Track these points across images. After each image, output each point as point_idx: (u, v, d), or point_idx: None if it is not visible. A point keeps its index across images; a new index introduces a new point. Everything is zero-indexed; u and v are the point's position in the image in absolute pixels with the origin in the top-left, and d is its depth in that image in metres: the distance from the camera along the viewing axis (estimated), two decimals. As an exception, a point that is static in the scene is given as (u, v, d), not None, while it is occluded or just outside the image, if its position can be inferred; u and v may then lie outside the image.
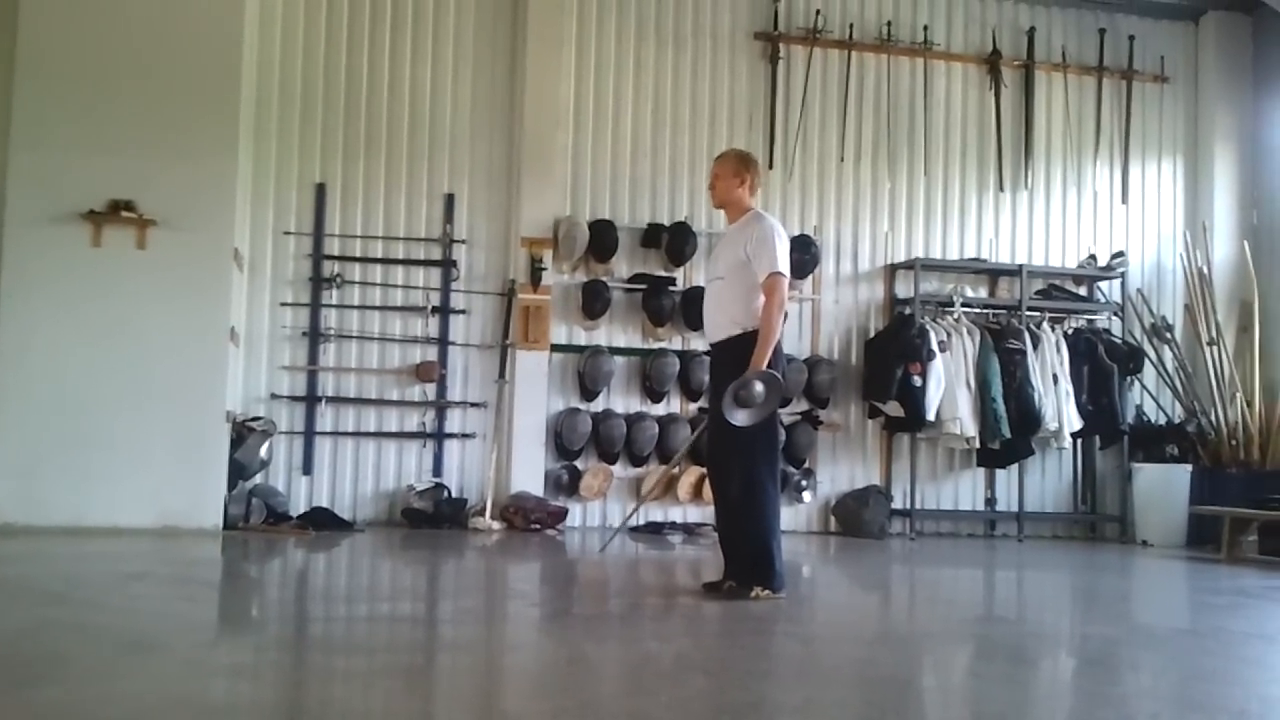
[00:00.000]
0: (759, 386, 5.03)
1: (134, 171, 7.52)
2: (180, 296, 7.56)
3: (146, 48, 7.63)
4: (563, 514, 8.57)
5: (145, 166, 7.54)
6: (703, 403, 5.27)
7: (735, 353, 5.16)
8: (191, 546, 6.89)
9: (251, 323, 8.44)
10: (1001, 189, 10.13)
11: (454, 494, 8.62)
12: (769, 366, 5.09)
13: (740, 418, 5.03)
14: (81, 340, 7.41)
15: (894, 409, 9.17)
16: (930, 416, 9.04)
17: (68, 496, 7.21)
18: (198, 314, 7.63)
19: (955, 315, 9.43)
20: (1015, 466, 9.55)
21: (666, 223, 9.23)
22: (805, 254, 9.42)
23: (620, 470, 8.99)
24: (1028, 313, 9.61)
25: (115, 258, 7.48)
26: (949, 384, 9.07)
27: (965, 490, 9.80)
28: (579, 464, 8.90)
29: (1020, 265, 9.83)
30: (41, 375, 7.34)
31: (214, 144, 7.74)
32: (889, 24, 9.90)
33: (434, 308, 8.81)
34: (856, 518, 9.18)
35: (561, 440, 8.81)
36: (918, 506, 9.44)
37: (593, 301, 8.97)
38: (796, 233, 9.49)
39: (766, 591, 5.21)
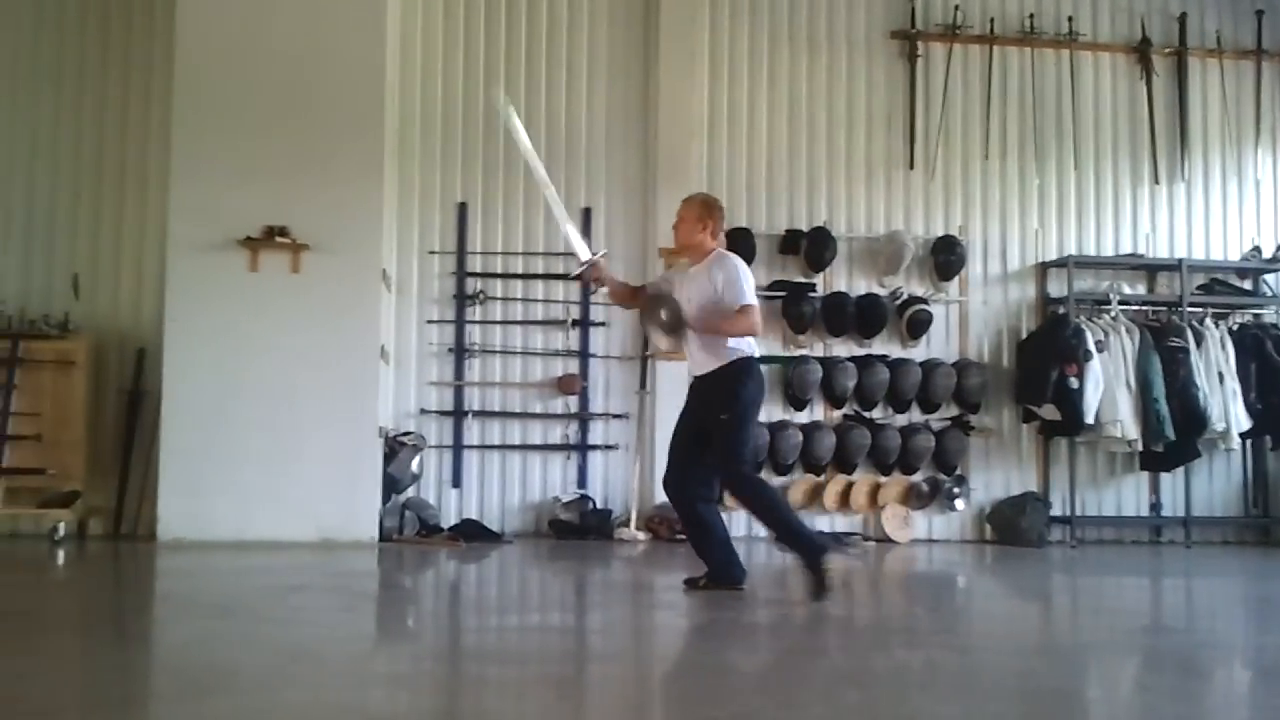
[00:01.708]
0: (663, 312, 5.55)
1: (286, 198, 7.79)
2: (333, 317, 7.80)
3: (294, 81, 7.90)
4: (708, 524, 8.51)
5: (297, 193, 7.81)
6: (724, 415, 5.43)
7: (721, 381, 5.51)
8: (349, 559, 7.07)
9: (400, 341, 8.65)
10: (1157, 181, 9.71)
11: (599, 505, 8.66)
12: (742, 387, 5.47)
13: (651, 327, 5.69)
14: (241, 361, 7.70)
15: (1050, 412, 8.85)
16: (1089, 419, 8.69)
17: (231, 512, 7.50)
18: (350, 333, 7.86)
19: (1112, 313, 9.06)
20: (1181, 470, 9.11)
21: (805, 228, 9.12)
22: (950, 255, 9.21)
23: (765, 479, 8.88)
24: (1189, 309, 9.17)
25: (271, 281, 7.77)
26: (1108, 385, 8.72)
27: (1128, 495, 9.39)
28: (723, 474, 8.83)
29: (1179, 260, 9.39)
30: (205, 396, 7.66)
31: (360, 169, 7.97)
32: (1031, 17, 9.60)
33: (574, 321, 8.89)
34: (1013, 526, 8.89)
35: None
36: (1078, 513, 9.08)
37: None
38: (940, 233, 9.29)
39: (830, 563, 5.38)
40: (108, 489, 8.11)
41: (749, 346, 5.59)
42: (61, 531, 7.50)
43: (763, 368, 8.81)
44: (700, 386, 5.67)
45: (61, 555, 7.06)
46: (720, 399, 5.49)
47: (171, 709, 3.31)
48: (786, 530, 5.63)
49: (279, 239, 7.77)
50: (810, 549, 5.46)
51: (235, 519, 7.47)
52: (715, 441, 5.53)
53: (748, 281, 5.56)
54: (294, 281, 7.82)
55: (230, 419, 7.63)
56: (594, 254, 5.96)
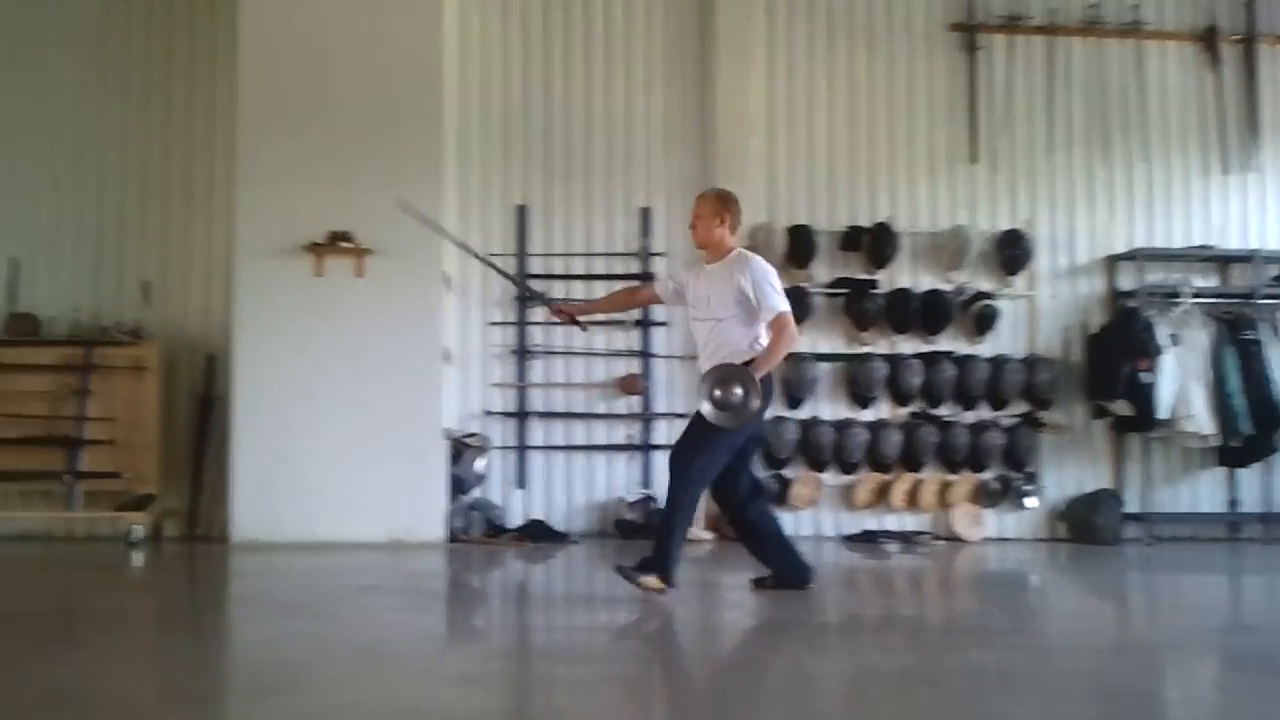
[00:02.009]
0: (738, 389, 5.17)
1: (350, 204, 7.88)
2: (397, 320, 7.88)
3: (355, 87, 7.99)
4: (773, 524, 8.47)
5: (360, 198, 7.89)
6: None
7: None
8: (417, 559, 7.13)
9: (463, 343, 8.71)
10: (1227, 172, 9.48)
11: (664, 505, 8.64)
12: (766, 391, 5.24)
13: (708, 409, 5.19)
14: (308, 365, 7.80)
15: (1123, 408, 8.68)
16: (1163, 415, 8.51)
17: (301, 513, 7.60)
18: (413, 336, 7.94)
19: (1184, 307, 8.87)
20: (1260, 465, 8.89)
21: (867, 224, 9.03)
22: (1016, 249, 9.07)
23: (830, 478, 8.83)
24: (1264, 301, 8.95)
25: (336, 286, 7.87)
26: (1182, 380, 8.54)
27: (1205, 492, 9.18)
28: (788, 473, 8.79)
29: (1253, 251, 9.17)
30: (274, 399, 7.77)
31: (421, 173, 8.03)
32: (1094, 6, 9.43)
33: (635, 321, 8.88)
34: (1087, 524, 8.74)
35: (769, 449, 8.72)
36: (1153, 510, 8.90)
37: (793, 308, 8.79)
38: (1005, 227, 9.16)
39: (657, 582, 5.20)
40: (181, 492, 8.27)
41: (763, 349, 5.36)
42: (137, 534, 7.65)
43: (822, 365, 8.90)
44: None
45: (137, 557, 7.19)
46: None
47: (246, 706, 3.36)
48: (665, 542, 5.31)
49: (343, 244, 7.86)
50: (661, 564, 5.25)
51: (306, 520, 7.58)
52: (689, 428, 5.39)
53: (775, 283, 5.40)
54: (358, 285, 7.91)
55: (299, 422, 7.74)
56: (540, 294, 5.91)
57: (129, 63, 8.77)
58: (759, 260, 5.48)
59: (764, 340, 5.35)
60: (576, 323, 5.99)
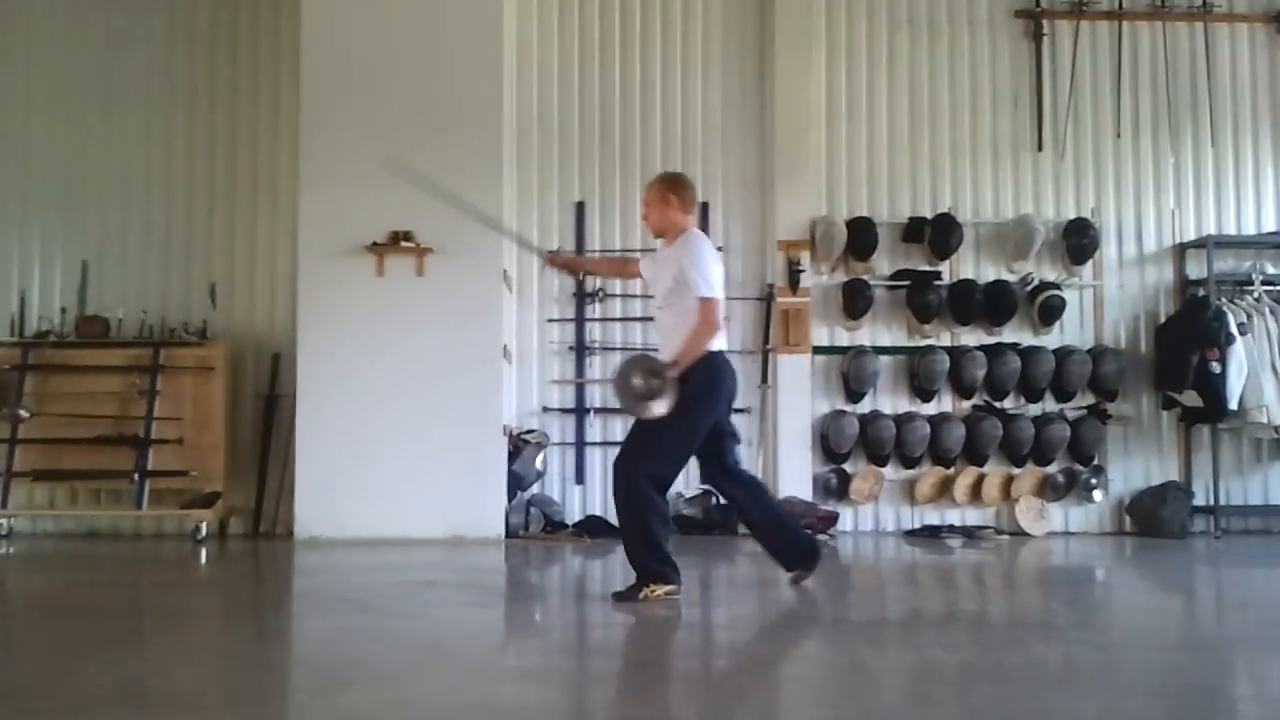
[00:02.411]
0: (637, 379, 4.99)
1: (410, 204, 7.89)
2: (456, 318, 7.94)
3: (415, 89, 8.06)
4: (834, 518, 8.42)
5: (420, 198, 7.86)
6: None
7: (691, 371, 5.00)
8: (477, 555, 7.18)
9: (522, 340, 8.75)
10: (1299, 156, 9.25)
11: (723, 501, 8.60)
12: (703, 379, 4.99)
13: (625, 401, 5.09)
14: (370, 364, 7.89)
15: (1191, 399, 8.50)
16: (1233, 405, 8.31)
17: (363, 510, 7.69)
18: (473, 334, 7.99)
19: (1255, 294, 8.65)
20: (1334, 456, 8.68)
21: (929, 215, 8.94)
22: (1083, 238, 8.92)
23: (891, 472, 8.75)
24: (1339, 288, 8.71)
25: (397, 285, 7.95)
26: (1252, 369, 8.33)
27: (1276, 483, 8.97)
28: (848, 467, 8.72)
29: (1327, 237, 8.94)
30: (337, 398, 7.87)
31: (480, 172, 8.07)
32: (1162, -11, 9.25)
33: (695, 316, 8.85)
34: (1154, 517, 8.56)
35: (828, 443, 8.67)
36: (1222, 502, 8.69)
37: (854, 301, 8.78)
38: (1072, 216, 9.00)
39: (660, 589, 4.99)
40: (247, 489, 8.41)
41: (716, 341, 5.12)
42: (204, 531, 7.79)
43: (883, 358, 8.80)
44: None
45: (204, 554, 7.32)
46: (685, 393, 5.08)
47: (310, 702, 3.40)
48: (648, 548, 5.07)
49: (404, 244, 7.93)
50: (650, 571, 5.04)
51: (367, 517, 7.67)
52: (638, 430, 5.15)
53: (710, 267, 5.10)
54: (419, 285, 7.98)
55: (361, 420, 7.82)
56: (541, 249, 5.74)
57: (194, 70, 8.93)
58: (700, 239, 5.25)
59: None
60: (573, 274, 5.77)
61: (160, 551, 7.51)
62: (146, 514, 8.09)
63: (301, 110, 8.12)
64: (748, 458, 8.75)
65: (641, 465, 5.04)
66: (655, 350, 5.41)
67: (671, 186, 5.33)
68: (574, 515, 8.61)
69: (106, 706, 3.17)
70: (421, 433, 7.79)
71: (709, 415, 5.11)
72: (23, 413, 8.05)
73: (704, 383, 5.04)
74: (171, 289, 8.70)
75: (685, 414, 4.99)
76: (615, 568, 6.97)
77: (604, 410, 8.82)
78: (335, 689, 3.48)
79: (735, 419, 8.63)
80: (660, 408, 4.94)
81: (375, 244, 7.93)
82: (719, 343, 5.13)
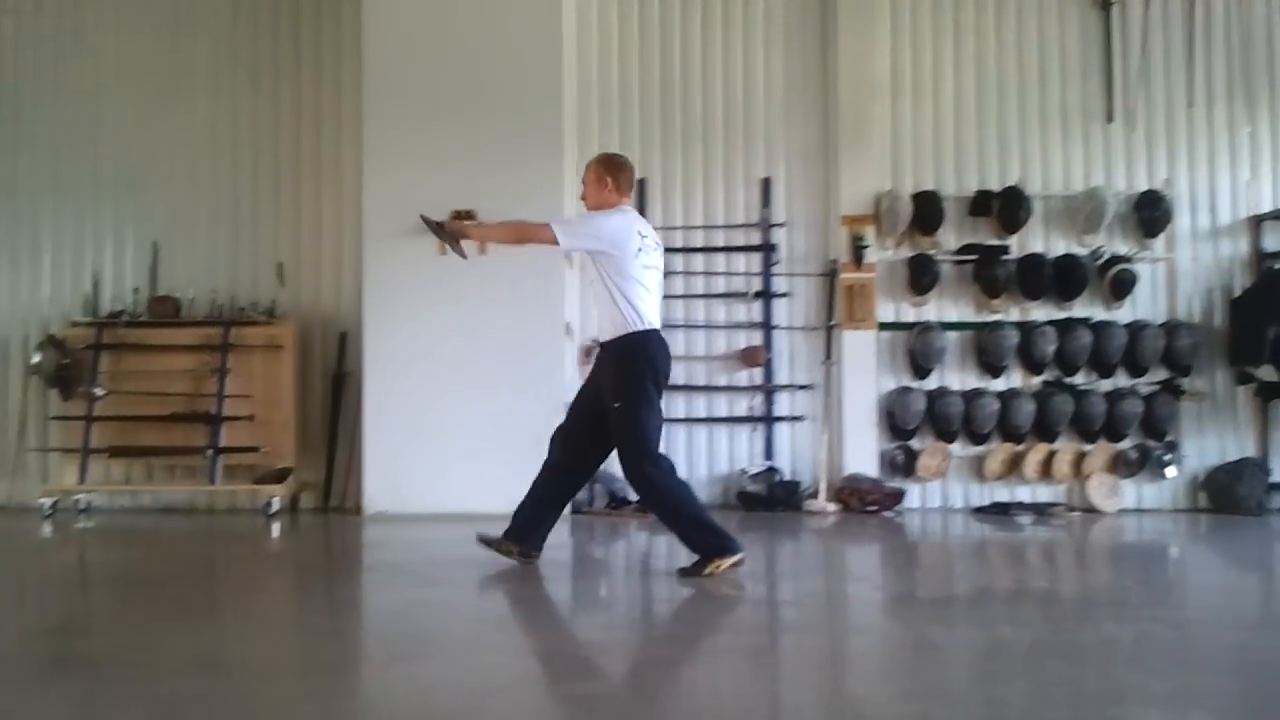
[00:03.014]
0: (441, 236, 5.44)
1: (472, 182, 7.99)
2: (519, 296, 7.97)
3: (476, 67, 8.08)
4: (900, 495, 8.35)
5: (481, 177, 7.99)
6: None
7: (618, 350, 5.18)
8: (541, 532, 7.20)
9: (584, 317, 8.75)
10: (1381, 122, 8.95)
11: (787, 477, 8.59)
12: (635, 358, 5.13)
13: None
14: (435, 341, 7.96)
15: (1268, 373, 8.29)
16: (1312, 379, 8.11)
17: (429, 486, 7.77)
18: (535, 311, 8.02)
19: (1336, 266, 8.41)
20: None
21: (996, 189, 8.78)
22: (1155, 211, 8.71)
23: (959, 449, 8.65)
24: None
25: (459, 264, 7.90)
26: (1333, 343, 8.11)
27: (1358, 460, 8.74)
28: (915, 444, 8.64)
29: None
30: (402, 375, 7.95)
31: (542, 149, 8.09)
32: (1238, -49, 8.97)
33: (756, 292, 8.81)
34: (1229, 493, 8.38)
35: (895, 420, 8.59)
36: (1301, 479, 8.49)
37: (920, 276, 8.67)
38: (1144, 188, 8.80)
39: (724, 562, 5.04)
40: (316, 465, 8.53)
41: (642, 320, 5.19)
42: (275, 506, 7.92)
43: (950, 334, 8.67)
44: (600, 356, 5.43)
45: (276, 528, 7.44)
46: (610, 382, 5.22)
47: (380, 673, 3.44)
48: (698, 528, 5.17)
49: (466, 222, 7.95)
50: (715, 545, 5.10)
51: (433, 492, 7.75)
52: (614, 432, 5.21)
53: (586, 221, 5.30)
54: (481, 263, 7.95)
55: (426, 397, 7.90)
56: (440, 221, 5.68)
57: (259, 52, 9.04)
58: (611, 211, 5.29)
59: (629, 310, 5.17)
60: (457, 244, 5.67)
61: (233, 526, 7.66)
62: (220, 489, 8.25)
63: (364, 90, 8.19)
64: (811, 434, 8.72)
65: (640, 461, 5.14)
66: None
67: (609, 169, 5.41)
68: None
69: (184, 675, 3.23)
70: (485, 409, 7.84)
71: (652, 385, 5.20)
72: (98, 391, 8.23)
73: (636, 361, 5.17)
74: (240, 268, 8.84)
75: (637, 399, 5.13)
76: (678, 543, 6.98)
77: (667, 387, 8.78)
78: (405, 660, 3.53)
79: (800, 396, 8.75)
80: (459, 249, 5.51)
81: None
82: (651, 319, 5.21)
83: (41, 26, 9.13)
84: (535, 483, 5.51)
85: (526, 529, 5.44)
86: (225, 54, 9.03)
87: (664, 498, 5.20)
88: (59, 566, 6.27)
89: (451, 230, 5.53)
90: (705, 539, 5.12)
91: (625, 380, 5.17)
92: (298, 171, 8.95)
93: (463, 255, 5.63)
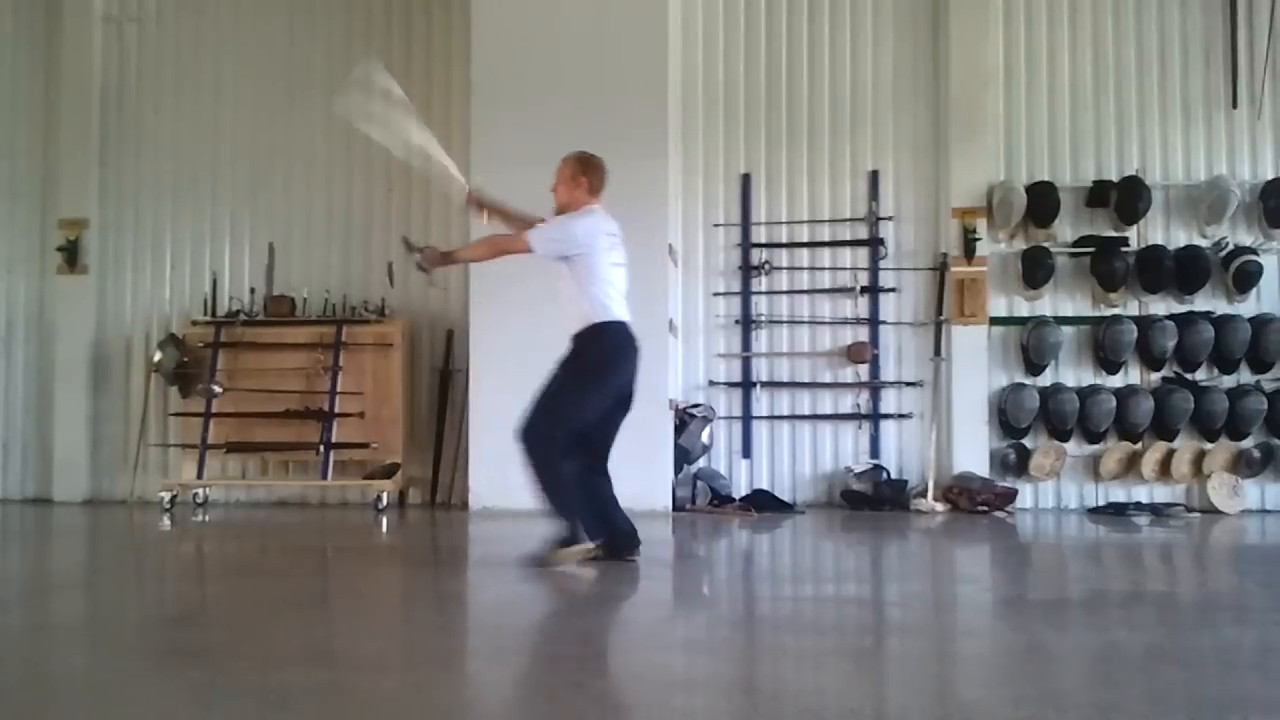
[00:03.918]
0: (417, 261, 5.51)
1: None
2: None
3: (582, 67, 8.14)
4: (1012, 495, 8.16)
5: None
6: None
7: (584, 337, 5.27)
8: (645, 527, 7.15)
9: (687, 314, 8.75)
10: None
11: (893, 475, 8.46)
12: (601, 345, 5.23)
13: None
14: (540, 339, 7.92)
15: None
16: None
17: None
18: (639, 308, 7.85)
19: None
20: None
21: (1114, 178, 8.53)
22: (1281, 200, 8.38)
23: (1074, 448, 8.41)
24: None
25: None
26: None
27: None
28: (1027, 442, 8.43)
29: None
30: (508, 373, 8.00)
31: (646, 148, 8.10)
32: (1376, -76, 8.54)
33: (863, 287, 8.70)
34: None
35: (1006, 417, 8.39)
36: None
37: (1034, 269, 8.46)
38: (1270, 176, 8.46)
39: (571, 555, 5.09)
40: (424, 461, 8.69)
41: (608, 311, 5.27)
42: (384, 501, 8.08)
43: (1065, 329, 8.42)
44: (571, 345, 5.46)
45: (384, 523, 7.58)
46: (567, 358, 5.35)
47: (486, 666, 3.47)
48: (560, 507, 5.26)
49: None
50: (570, 531, 5.17)
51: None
52: (542, 387, 5.35)
53: (559, 227, 5.33)
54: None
55: (531, 395, 7.94)
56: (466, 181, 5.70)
57: (370, 57, 9.21)
58: (582, 214, 5.36)
59: (598, 303, 5.23)
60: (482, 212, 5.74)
61: (344, 520, 7.83)
62: (331, 484, 8.44)
63: (472, 93, 8.30)
64: (918, 432, 8.57)
65: (545, 424, 5.26)
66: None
67: (584, 169, 5.45)
68: (741, 489, 8.58)
69: (296, 666, 3.30)
70: (590, 406, 7.86)
71: (604, 378, 5.32)
72: (216, 388, 8.50)
73: (599, 347, 5.26)
74: (352, 268, 9.03)
75: (581, 377, 5.28)
76: (783, 541, 6.93)
77: (771, 384, 8.75)
78: (512, 653, 3.55)
79: (907, 393, 8.60)
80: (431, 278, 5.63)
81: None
82: (618, 312, 5.28)
83: (163, 34, 9.47)
84: (580, 497, 5.50)
85: (601, 526, 5.46)
86: (339, 61, 9.23)
87: (541, 466, 5.26)
88: (177, 558, 6.48)
89: (428, 257, 5.56)
90: (564, 518, 5.21)
91: (579, 360, 5.28)
92: (407, 174, 9.10)
93: (432, 283, 5.79)
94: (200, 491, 8.67)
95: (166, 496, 8.28)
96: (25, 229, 9.55)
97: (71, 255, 9.25)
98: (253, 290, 9.02)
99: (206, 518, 8.09)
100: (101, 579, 5.62)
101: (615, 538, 5.44)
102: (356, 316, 8.69)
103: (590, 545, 5.22)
